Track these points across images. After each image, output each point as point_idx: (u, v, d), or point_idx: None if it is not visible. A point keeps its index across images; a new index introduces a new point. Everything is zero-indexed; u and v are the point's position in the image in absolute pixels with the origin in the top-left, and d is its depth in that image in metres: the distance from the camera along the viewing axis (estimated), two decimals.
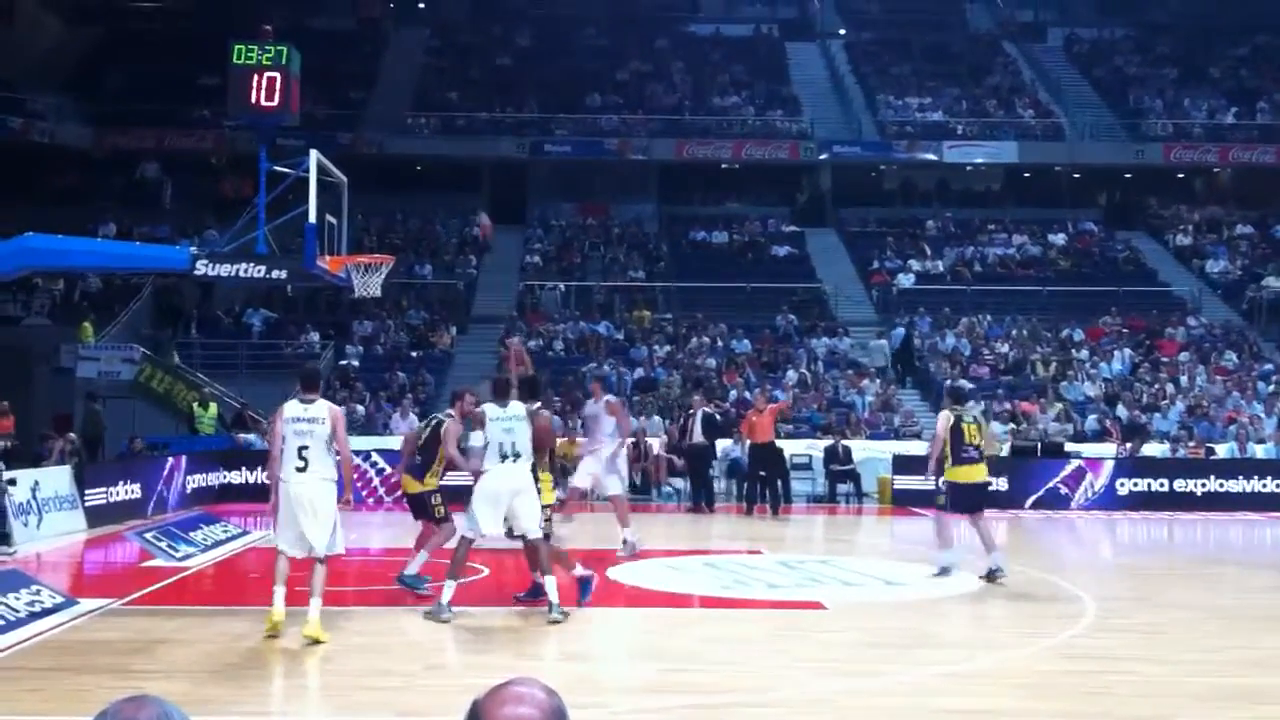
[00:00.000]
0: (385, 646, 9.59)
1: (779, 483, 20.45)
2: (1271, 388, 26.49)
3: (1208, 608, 11.56)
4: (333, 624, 9.94)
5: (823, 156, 35.98)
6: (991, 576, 12.38)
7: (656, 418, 24.05)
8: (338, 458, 9.62)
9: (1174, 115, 37.33)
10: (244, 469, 21.10)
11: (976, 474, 12.75)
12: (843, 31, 42.68)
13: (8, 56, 33.86)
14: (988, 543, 12.62)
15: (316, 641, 9.08)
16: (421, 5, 43.10)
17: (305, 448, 9.30)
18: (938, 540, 13.08)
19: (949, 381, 24.18)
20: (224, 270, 14.73)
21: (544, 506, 10.56)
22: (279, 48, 14.36)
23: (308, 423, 9.39)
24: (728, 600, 11.72)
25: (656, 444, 22.73)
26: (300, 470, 9.30)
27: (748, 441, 20.51)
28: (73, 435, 19.42)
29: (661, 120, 36.38)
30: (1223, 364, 27.74)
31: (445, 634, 9.97)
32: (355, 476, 14.09)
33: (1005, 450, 23.37)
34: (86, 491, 16.76)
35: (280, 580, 9.39)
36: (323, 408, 9.56)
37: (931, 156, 35.77)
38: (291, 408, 9.50)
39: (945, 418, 12.74)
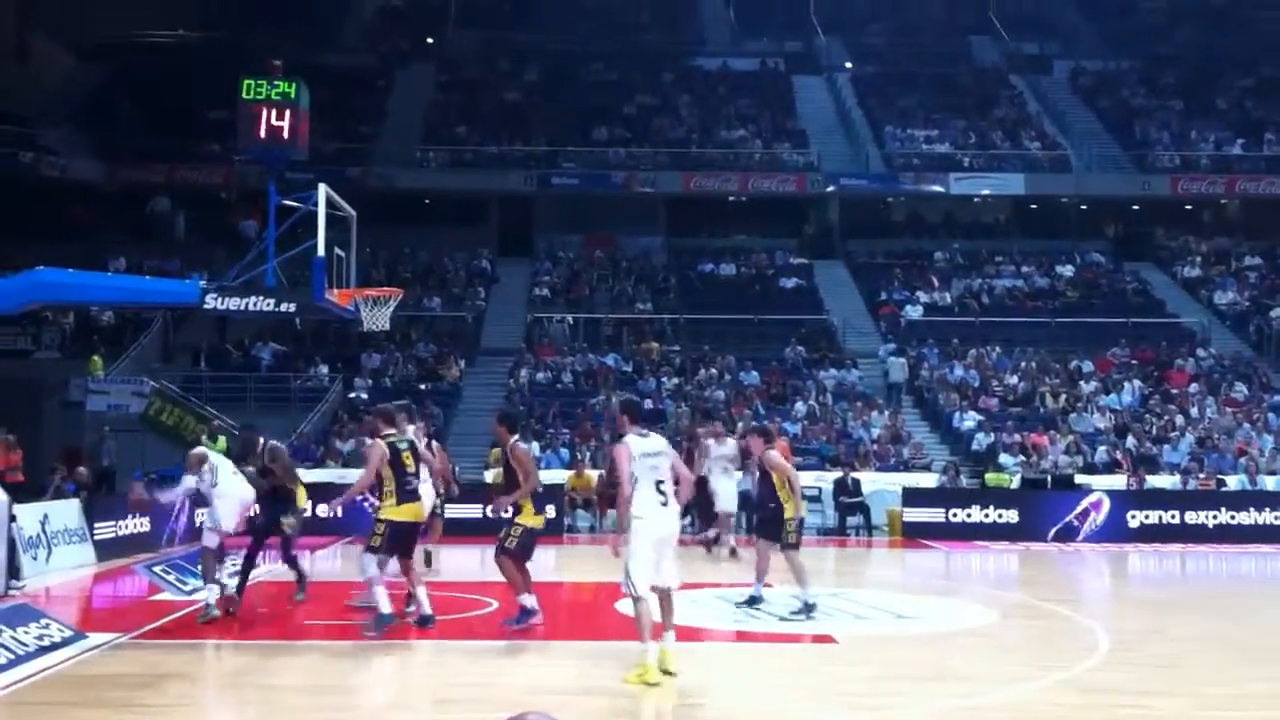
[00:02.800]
0: (399, 680, 9.54)
1: None
2: None
3: (1221, 640, 11.48)
4: (329, 658, 9.89)
5: (830, 189, 36.07)
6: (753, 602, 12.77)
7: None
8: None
9: (1181, 147, 37.40)
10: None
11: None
12: (849, 65, 42.84)
13: (20, 92, 34.11)
14: (761, 571, 12.89)
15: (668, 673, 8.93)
16: (430, 41, 43.38)
17: (661, 481, 8.91)
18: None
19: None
20: (233, 304, 14.76)
21: (528, 530, 10.89)
22: (288, 83, 14.45)
23: (655, 455, 8.98)
24: (739, 633, 11.65)
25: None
26: (664, 505, 8.91)
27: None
28: (82, 469, 19.43)
29: (668, 153, 36.52)
30: (1232, 395, 27.68)
31: (460, 667, 9.92)
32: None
33: (1016, 483, 23.34)
34: (95, 525, 16.75)
35: (648, 625, 8.85)
36: (660, 440, 9.23)
37: (938, 188, 35.85)
38: (638, 442, 9.00)
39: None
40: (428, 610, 11.17)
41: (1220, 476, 23.52)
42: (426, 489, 12.61)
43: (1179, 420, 26.29)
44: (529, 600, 11.03)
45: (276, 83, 14.41)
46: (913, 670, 9.92)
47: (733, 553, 17.70)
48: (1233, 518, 21.71)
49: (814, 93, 41.23)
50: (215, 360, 28.76)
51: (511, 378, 28.22)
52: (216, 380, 27.62)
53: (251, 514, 12.75)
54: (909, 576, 18.00)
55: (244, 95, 14.40)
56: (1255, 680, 9.50)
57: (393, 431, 11.38)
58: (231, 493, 12.09)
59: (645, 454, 8.88)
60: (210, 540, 11.95)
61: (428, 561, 14.04)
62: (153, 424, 24.77)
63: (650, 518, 8.82)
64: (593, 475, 23.04)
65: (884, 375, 29.06)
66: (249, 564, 12.53)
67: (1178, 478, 23.53)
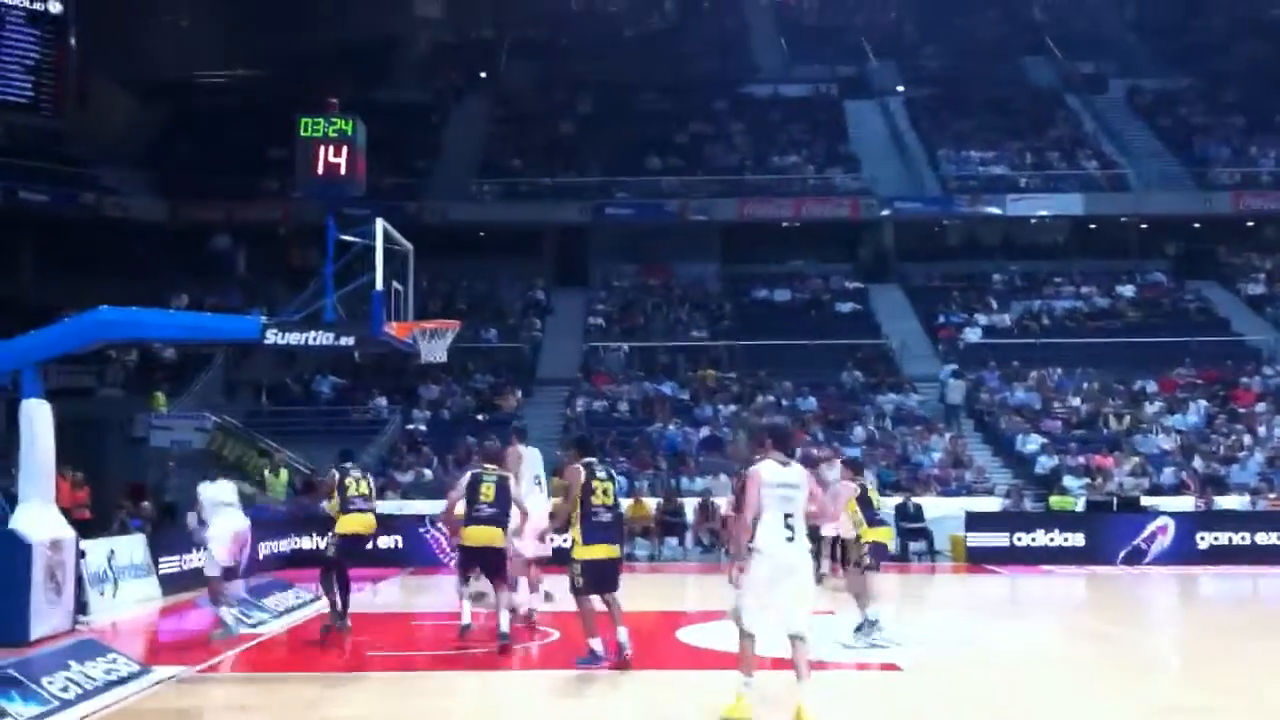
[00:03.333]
0: (461, 710, 9.52)
1: None
2: None
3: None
4: (393, 688, 9.91)
5: (884, 213, 35.87)
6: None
7: (724, 477, 23.92)
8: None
9: (1242, 163, 36.86)
10: (315, 535, 21.21)
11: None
12: (901, 88, 42.66)
13: (82, 135, 34.75)
14: None
15: None
16: (483, 75, 43.75)
17: (790, 515, 8.40)
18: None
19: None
20: (293, 338, 14.86)
21: (587, 563, 10.64)
22: (344, 120, 14.58)
23: (790, 487, 8.46)
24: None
25: (724, 504, 22.54)
26: (789, 540, 8.38)
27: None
28: (147, 504, 19.65)
29: (721, 181, 36.52)
30: None
31: (523, 698, 9.89)
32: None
33: (1081, 505, 23.00)
34: (160, 559, 16.91)
35: (748, 659, 8.43)
36: (801, 471, 8.64)
37: (995, 210, 35.52)
38: (772, 470, 8.50)
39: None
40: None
41: None
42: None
43: (1246, 440, 25.82)
44: (596, 644, 10.82)
45: (333, 120, 14.54)
46: (981, 698, 9.75)
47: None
48: None
49: (867, 117, 41.08)
50: (276, 394, 29.05)
51: (568, 407, 28.27)
52: (277, 414, 27.89)
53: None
54: (974, 602, 17.76)
55: (301, 133, 14.54)
56: None
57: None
58: (222, 527, 12.76)
59: (780, 484, 8.39)
60: (211, 570, 12.77)
61: (548, 597, 14.06)
62: (216, 458, 25.01)
63: (770, 551, 8.33)
64: (650, 504, 22.99)
65: (942, 398, 28.82)
66: (344, 587, 13.01)
67: (1247, 498, 23.08)
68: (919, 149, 38.71)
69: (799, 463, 8.73)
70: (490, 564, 11.98)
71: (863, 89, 42.57)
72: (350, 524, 12.97)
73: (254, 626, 13.40)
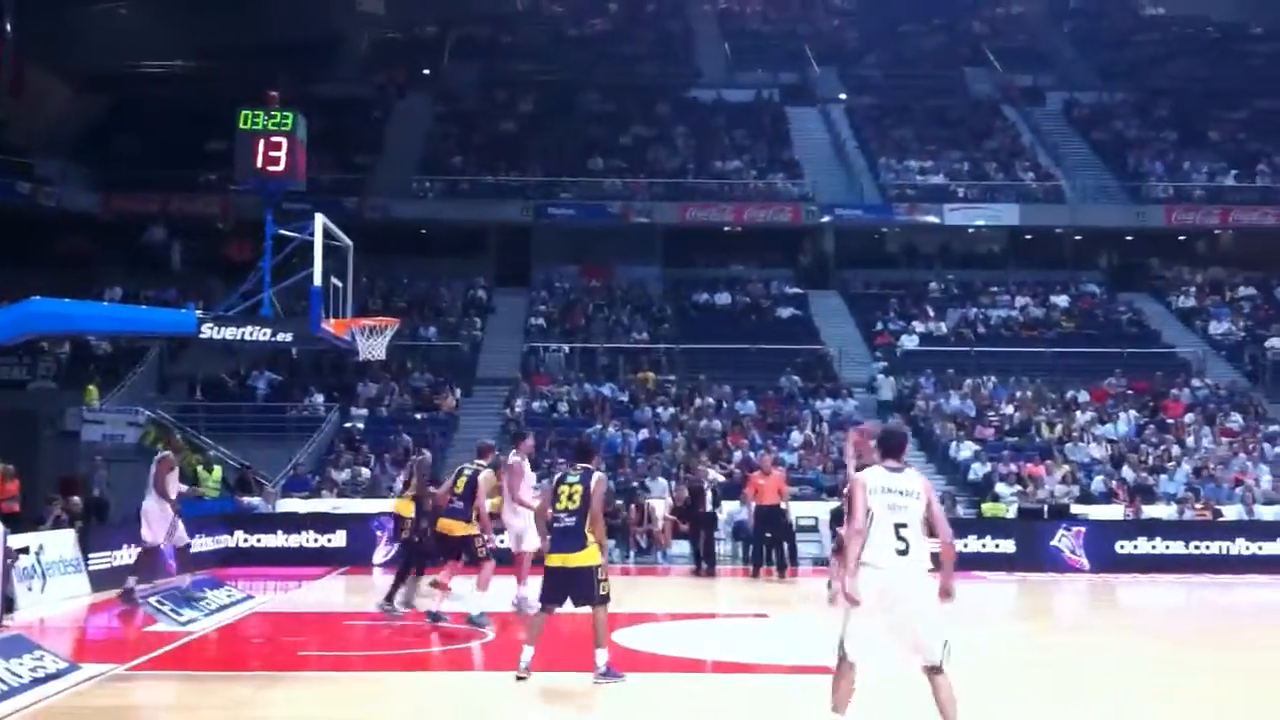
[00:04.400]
0: (379, 712, 9.49)
1: (785, 545, 20.35)
2: (1278, 449, 26.43)
3: (1227, 670, 11.44)
4: (326, 689, 9.86)
5: (825, 219, 36.16)
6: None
7: (661, 480, 24.00)
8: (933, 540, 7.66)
9: (1175, 178, 37.54)
10: (248, 533, 21.05)
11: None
12: (843, 96, 43.01)
13: (17, 124, 34.18)
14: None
15: None
16: (427, 72, 43.55)
17: (904, 525, 7.45)
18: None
19: None
20: (229, 333, 14.73)
21: (595, 568, 10.02)
22: (285, 114, 14.47)
23: (903, 494, 7.52)
24: (738, 665, 11.61)
25: (661, 507, 22.64)
26: (902, 554, 7.42)
27: (753, 504, 20.44)
28: (76, 499, 19.35)
29: (664, 184, 36.62)
30: (1228, 425, 27.68)
31: (454, 697, 9.87)
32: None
33: (1012, 513, 23.33)
34: (90, 555, 16.68)
35: (841, 691, 7.57)
36: (918, 480, 7.74)
37: (933, 219, 35.92)
38: (880, 476, 7.64)
39: None
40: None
41: (1217, 507, 23.49)
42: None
43: (1175, 450, 26.29)
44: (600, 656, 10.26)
45: (273, 113, 14.43)
46: (916, 699, 9.86)
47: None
48: (1228, 549, 21.73)
49: (809, 124, 41.37)
50: (211, 390, 28.72)
51: (508, 407, 28.21)
52: (212, 410, 27.58)
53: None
54: None
55: (241, 126, 14.41)
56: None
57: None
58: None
59: (888, 489, 7.51)
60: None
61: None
62: (148, 454, 24.70)
63: (880, 567, 7.41)
64: None
65: (873, 393, 29.53)
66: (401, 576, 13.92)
67: (1174, 508, 23.51)
68: (859, 157, 39.05)
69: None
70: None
71: (805, 96, 42.86)
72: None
73: (185, 624, 13.26)
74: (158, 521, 15.04)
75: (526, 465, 14.28)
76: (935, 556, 7.60)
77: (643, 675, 10.98)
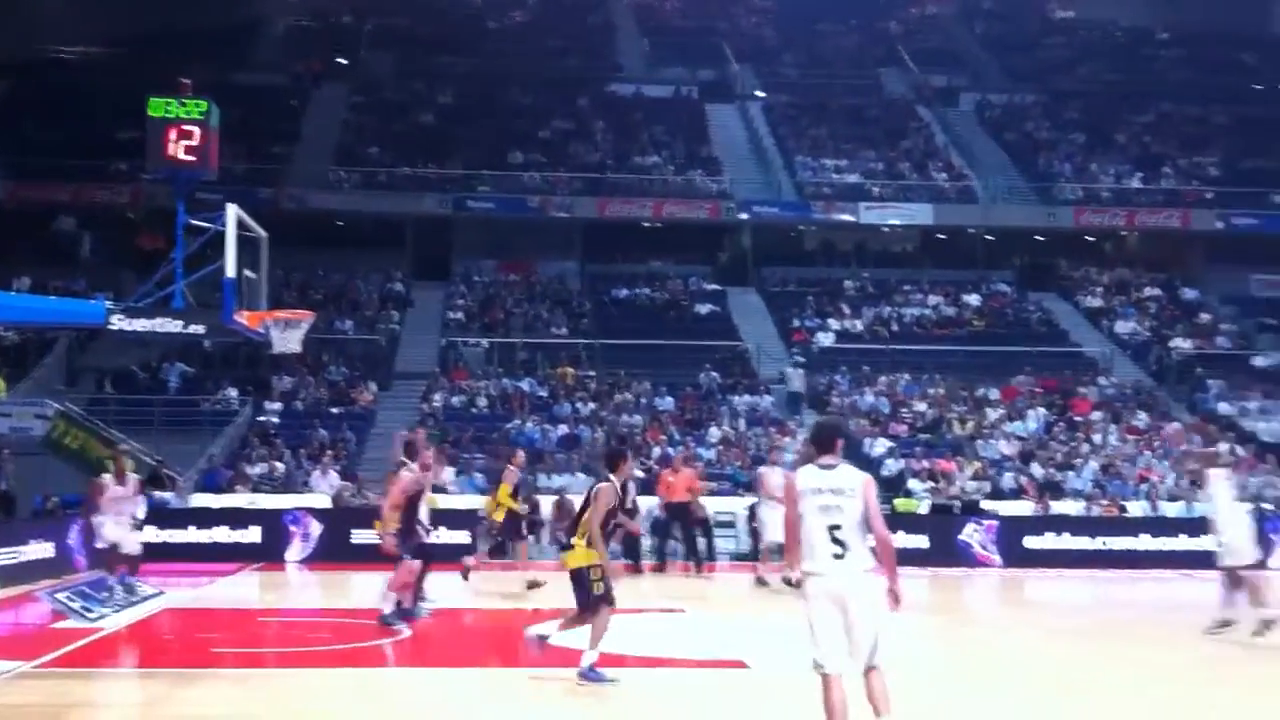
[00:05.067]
0: (292, 708, 9.44)
1: (700, 541, 20.45)
2: (1181, 446, 27.12)
3: (1129, 660, 11.75)
4: (239, 686, 9.77)
5: (743, 216, 36.38)
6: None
7: (580, 475, 24.01)
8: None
9: (1083, 180, 38.33)
10: (160, 528, 20.71)
11: None
12: (761, 94, 43.33)
13: None
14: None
15: None
16: (344, 62, 43.07)
17: (837, 527, 7.05)
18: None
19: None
20: (140, 325, 14.50)
21: (585, 569, 10.15)
22: (198, 102, 14.27)
23: (835, 494, 7.10)
24: (651, 660, 11.68)
25: (578, 502, 22.62)
26: (838, 559, 7.04)
27: (664, 501, 20.56)
28: None
29: (584, 178, 36.60)
30: (1134, 423, 28.37)
31: (372, 692, 9.84)
32: None
33: (924, 508, 23.71)
34: None
35: (834, 711, 7.10)
36: (853, 475, 7.28)
37: (849, 217, 36.27)
38: (811, 476, 7.27)
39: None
40: None
41: (1122, 503, 24.08)
42: None
43: (1083, 448, 26.89)
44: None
45: (186, 101, 14.22)
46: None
47: (760, 582, 17.73)
48: (1133, 544, 22.27)
49: (727, 120, 41.61)
50: (121, 383, 28.19)
51: (425, 402, 28.06)
52: (122, 403, 27.07)
53: None
54: None
55: (152, 114, 14.19)
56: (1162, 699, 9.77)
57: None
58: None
59: (817, 490, 7.12)
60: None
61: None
62: (56, 447, 24.17)
63: (822, 573, 7.06)
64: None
65: (782, 383, 30.02)
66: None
67: (1082, 504, 24.06)
68: (777, 155, 39.34)
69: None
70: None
71: (724, 93, 43.09)
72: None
73: (95, 621, 13.04)
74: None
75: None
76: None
77: (561, 670, 11.02)
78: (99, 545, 15.21)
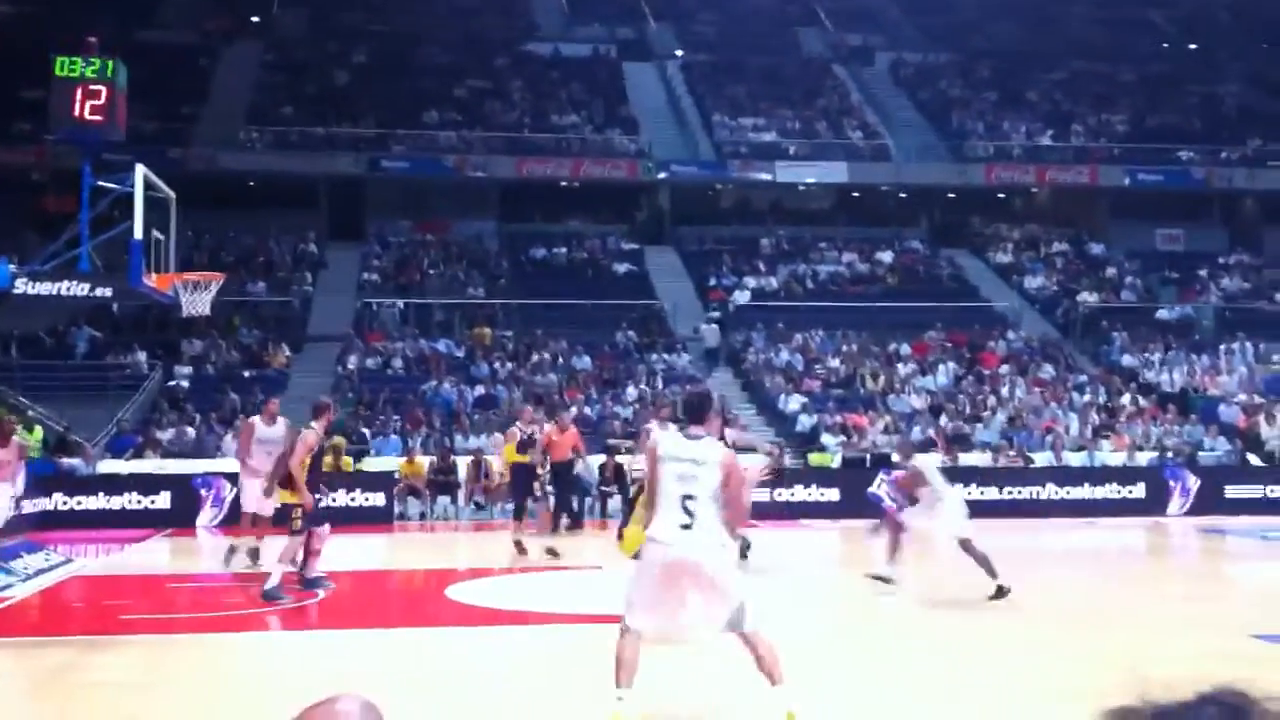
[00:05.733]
0: (220, 671, 9.47)
1: (574, 500, 20.29)
2: (1086, 398, 27.81)
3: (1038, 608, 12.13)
4: (149, 652, 9.78)
5: (661, 176, 36.47)
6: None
7: (498, 435, 24.05)
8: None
9: (995, 137, 38.89)
10: (68, 495, 20.47)
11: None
12: (679, 53, 43.33)
13: None
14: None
15: None
16: (255, 19, 42.33)
17: (691, 497, 6.89)
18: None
19: None
20: (45, 288, 14.30)
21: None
22: (104, 61, 14.05)
23: (693, 464, 6.94)
24: (568, 615, 11.81)
25: (497, 463, 22.69)
26: (685, 529, 6.86)
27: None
28: None
29: (501, 138, 36.42)
30: (1040, 376, 29.00)
31: (288, 656, 9.88)
32: None
33: (837, 462, 24.10)
34: None
35: (624, 664, 6.91)
36: (716, 449, 7.16)
37: (765, 176, 36.53)
38: (671, 442, 7.23)
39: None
40: None
41: (1028, 454, 24.66)
42: None
43: (991, 400, 27.44)
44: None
45: (92, 60, 14.00)
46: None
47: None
48: (1037, 493, 22.86)
49: (645, 80, 41.56)
50: (27, 347, 27.67)
51: (340, 364, 27.89)
52: (28, 369, 26.58)
53: None
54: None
55: (57, 73, 13.95)
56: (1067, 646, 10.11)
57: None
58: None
59: (677, 457, 6.98)
60: None
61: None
62: None
63: (664, 541, 6.90)
64: (424, 462, 22.98)
65: (697, 339, 30.29)
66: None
67: (989, 455, 24.59)
68: (695, 114, 39.43)
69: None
70: None
71: (642, 52, 43.03)
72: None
73: (1, 590, 12.90)
74: None
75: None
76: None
77: (479, 629, 11.15)
78: None
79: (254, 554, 14.39)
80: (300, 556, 12.30)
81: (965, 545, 12.16)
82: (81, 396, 25.31)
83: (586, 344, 29.55)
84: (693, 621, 7.05)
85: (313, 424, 12.42)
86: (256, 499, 13.93)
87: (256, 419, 14.56)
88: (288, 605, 11.75)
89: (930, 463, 12.28)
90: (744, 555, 10.14)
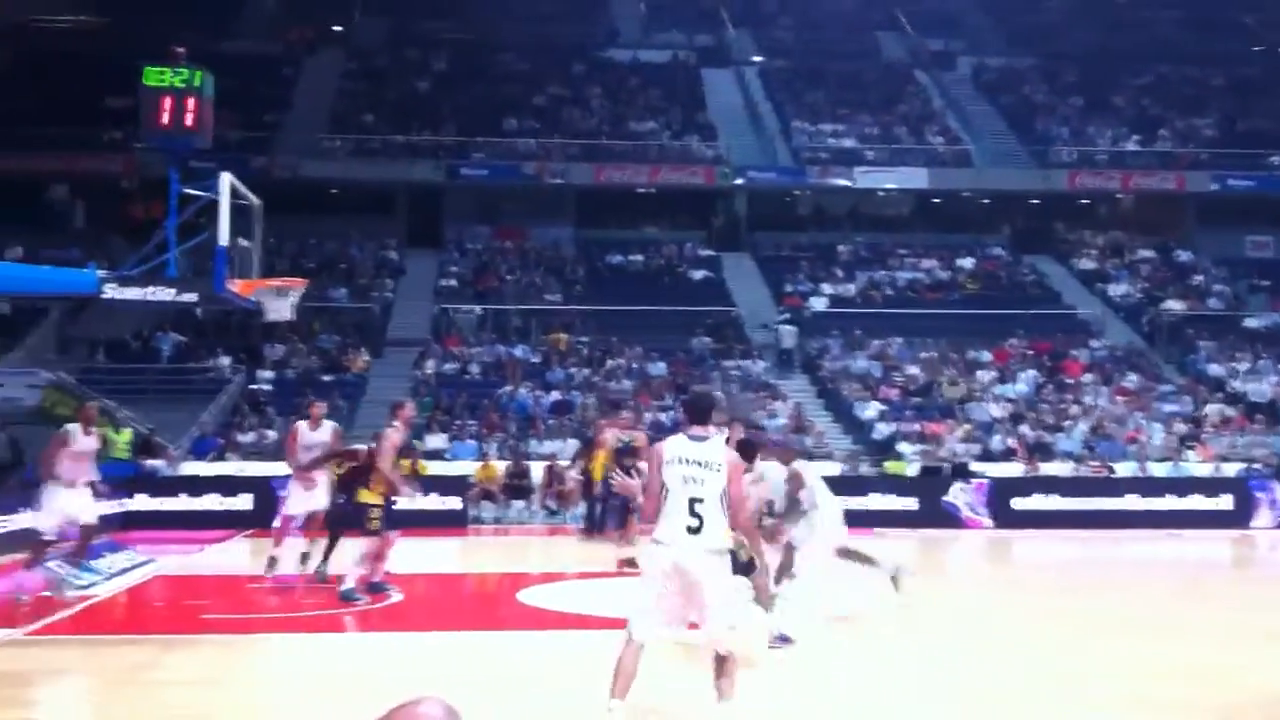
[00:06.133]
0: (292, 672, 9.56)
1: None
2: (1171, 407, 27.24)
3: (1119, 618, 11.88)
4: (226, 651, 9.90)
5: (738, 181, 36.36)
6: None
7: (573, 441, 24.13)
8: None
9: (1079, 142, 38.25)
10: (151, 496, 20.86)
11: None
12: (757, 59, 43.20)
13: None
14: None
15: None
16: (337, 29, 42.92)
17: (699, 501, 6.82)
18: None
19: None
20: (132, 294, 14.58)
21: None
22: (191, 70, 14.32)
23: (700, 466, 6.87)
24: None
25: (573, 469, 22.74)
26: (692, 533, 6.80)
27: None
28: None
29: (579, 145, 36.55)
30: (1124, 385, 28.46)
31: (358, 658, 9.97)
32: None
33: (914, 470, 23.84)
34: None
35: (621, 674, 6.86)
36: (721, 451, 7.06)
37: (844, 182, 36.28)
38: (678, 445, 7.02)
39: None
40: None
41: (1111, 464, 24.20)
42: None
43: (1073, 409, 26.98)
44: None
45: (180, 70, 14.28)
46: (825, 655, 10.15)
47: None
48: (1122, 503, 22.43)
49: (723, 86, 41.49)
50: (114, 351, 28.28)
51: (418, 369, 28.15)
52: (115, 372, 27.17)
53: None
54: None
55: (146, 82, 14.25)
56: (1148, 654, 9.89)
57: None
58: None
59: (684, 460, 6.88)
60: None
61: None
62: (48, 417, 24.26)
63: (669, 544, 6.83)
64: (498, 467, 23.11)
65: (773, 336, 30.25)
66: None
67: (1071, 465, 24.18)
68: (773, 119, 39.28)
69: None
70: None
71: (720, 58, 42.96)
72: None
73: (85, 588, 13.15)
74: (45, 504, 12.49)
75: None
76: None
77: (551, 633, 11.17)
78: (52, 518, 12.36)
79: (284, 559, 14.06)
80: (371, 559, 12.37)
81: (844, 552, 11.95)
82: (166, 399, 25.81)
83: (662, 350, 29.55)
84: (711, 630, 6.92)
85: (395, 423, 12.47)
86: (304, 503, 13.62)
87: (302, 424, 14.08)
88: (364, 606, 11.86)
89: (812, 470, 11.95)
90: (747, 572, 9.95)
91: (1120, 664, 9.69)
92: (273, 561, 13.60)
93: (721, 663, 6.90)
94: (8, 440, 22.31)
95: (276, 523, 14.04)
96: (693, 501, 6.77)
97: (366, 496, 12.23)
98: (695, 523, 6.75)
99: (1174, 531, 21.31)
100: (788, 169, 36.92)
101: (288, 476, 13.97)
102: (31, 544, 12.57)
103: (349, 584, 12.05)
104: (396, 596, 12.55)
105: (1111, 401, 27.48)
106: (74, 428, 12.20)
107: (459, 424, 25.24)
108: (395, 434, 12.28)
